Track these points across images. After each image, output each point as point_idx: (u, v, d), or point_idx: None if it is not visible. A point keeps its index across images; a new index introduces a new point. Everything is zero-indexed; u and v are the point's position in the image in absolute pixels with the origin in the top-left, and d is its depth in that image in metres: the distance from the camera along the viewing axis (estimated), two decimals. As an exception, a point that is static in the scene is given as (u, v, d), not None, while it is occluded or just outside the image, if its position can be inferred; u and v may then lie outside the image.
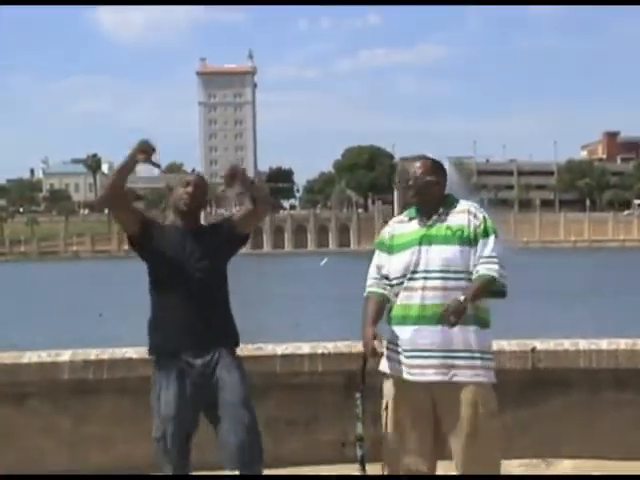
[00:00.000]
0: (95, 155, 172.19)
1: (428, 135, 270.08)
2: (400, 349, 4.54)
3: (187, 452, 4.72)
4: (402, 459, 4.54)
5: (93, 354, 5.71)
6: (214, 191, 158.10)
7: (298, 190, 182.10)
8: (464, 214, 4.59)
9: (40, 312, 42.35)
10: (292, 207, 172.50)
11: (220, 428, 4.64)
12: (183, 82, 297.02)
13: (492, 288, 4.49)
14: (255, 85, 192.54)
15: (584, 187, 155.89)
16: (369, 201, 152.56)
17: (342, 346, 5.89)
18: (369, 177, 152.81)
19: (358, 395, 4.57)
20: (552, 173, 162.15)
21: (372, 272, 4.75)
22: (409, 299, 4.54)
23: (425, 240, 4.56)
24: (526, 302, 35.01)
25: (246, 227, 4.89)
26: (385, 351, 4.58)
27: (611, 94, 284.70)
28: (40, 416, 5.66)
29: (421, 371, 4.47)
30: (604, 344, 5.89)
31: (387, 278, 4.66)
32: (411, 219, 4.70)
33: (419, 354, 4.48)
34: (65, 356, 5.71)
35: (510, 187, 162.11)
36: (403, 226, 4.71)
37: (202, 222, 4.95)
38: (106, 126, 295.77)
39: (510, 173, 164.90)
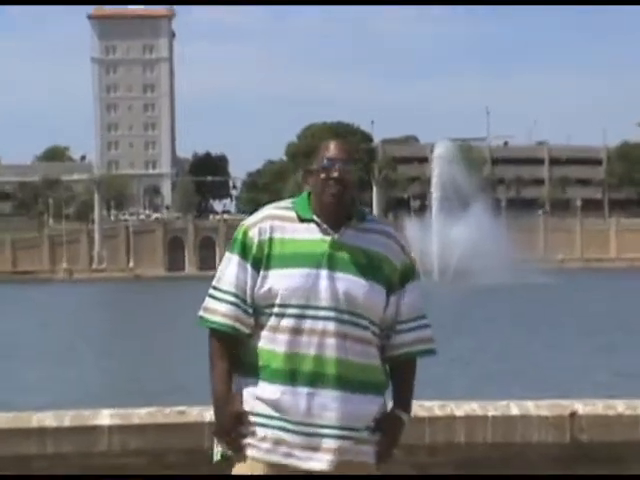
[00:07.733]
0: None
1: (421, 106, 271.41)
2: (279, 420, 4.35)
3: None
4: None
5: None
6: (114, 187, 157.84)
7: (235, 186, 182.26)
8: (383, 237, 4.52)
9: None
10: (225, 211, 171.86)
11: None
12: (72, 32, 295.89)
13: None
14: (173, 34, 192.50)
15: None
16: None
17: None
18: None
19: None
20: (600, 162, 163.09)
21: (226, 287, 4.44)
22: (300, 347, 4.35)
23: (329, 262, 4.40)
24: (558, 347, 35.14)
25: None
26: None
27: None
28: None
29: (315, 455, 4.34)
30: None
31: (252, 302, 4.41)
32: (305, 220, 4.49)
33: (314, 431, 4.34)
34: None
35: (539, 181, 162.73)
36: (294, 228, 4.50)
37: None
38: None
39: (539, 161, 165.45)
